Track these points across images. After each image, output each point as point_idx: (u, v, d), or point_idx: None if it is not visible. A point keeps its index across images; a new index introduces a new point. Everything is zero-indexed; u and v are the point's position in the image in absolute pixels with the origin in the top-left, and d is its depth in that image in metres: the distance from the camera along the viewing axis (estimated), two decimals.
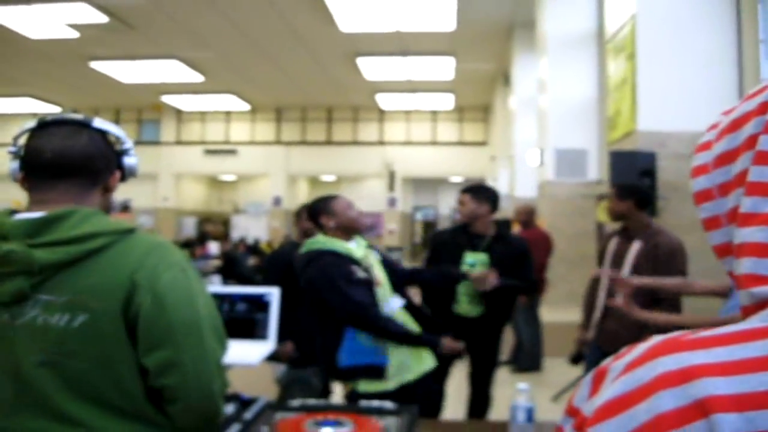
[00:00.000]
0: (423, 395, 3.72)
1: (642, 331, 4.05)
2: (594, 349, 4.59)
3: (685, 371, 0.60)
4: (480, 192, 4.86)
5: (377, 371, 3.68)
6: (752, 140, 0.69)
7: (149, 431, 1.70)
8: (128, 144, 1.91)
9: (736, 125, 0.72)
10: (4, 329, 1.65)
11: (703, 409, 0.57)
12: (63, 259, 1.64)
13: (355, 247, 3.86)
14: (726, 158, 0.72)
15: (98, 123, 1.84)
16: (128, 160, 1.90)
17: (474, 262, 4.67)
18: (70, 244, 1.65)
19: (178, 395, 1.68)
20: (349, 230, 3.88)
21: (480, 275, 4.40)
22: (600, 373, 0.68)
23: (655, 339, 0.66)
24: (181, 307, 1.69)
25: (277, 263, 4.77)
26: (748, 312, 0.67)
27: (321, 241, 3.82)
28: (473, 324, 4.66)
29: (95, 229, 1.67)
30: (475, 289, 4.54)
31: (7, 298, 1.64)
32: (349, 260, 3.74)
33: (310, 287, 3.73)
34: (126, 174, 1.90)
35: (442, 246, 4.83)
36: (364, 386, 3.64)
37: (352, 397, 3.62)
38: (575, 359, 5.15)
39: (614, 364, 0.67)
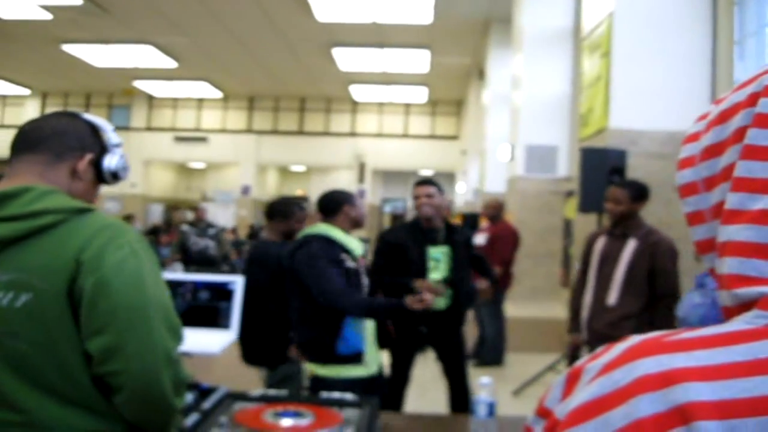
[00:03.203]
0: (377, 389, 3.77)
1: (631, 333, 4.04)
2: (588, 352, 4.45)
3: (665, 375, 0.55)
4: (438, 185, 4.87)
5: (360, 357, 3.78)
6: (740, 133, 0.64)
7: (97, 421, 1.63)
8: (114, 140, 1.85)
9: (724, 117, 0.68)
10: None
11: (683, 415, 0.53)
12: (10, 235, 1.58)
13: (355, 241, 3.95)
14: (713, 151, 0.68)
15: (87, 116, 1.83)
16: (109, 159, 1.82)
17: (439, 255, 4.70)
18: (18, 221, 1.59)
19: (121, 383, 1.59)
20: (358, 226, 4.04)
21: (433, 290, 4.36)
22: (574, 373, 0.63)
23: (634, 339, 0.62)
24: (126, 290, 1.60)
25: (268, 263, 4.51)
26: (731, 313, 0.63)
27: (321, 227, 3.89)
28: (440, 316, 4.68)
29: (46, 206, 1.61)
30: (442, 282, 4.58)
31: None
32: (341, 248, 3.81)
33: (296, 270, 3.76)
34: (104, 171, 1.82)
35: (395, 245, 4.75)
36: (337, 371, 3.69)
37: (314, 382, 3.67)
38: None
39: (590, 364, 0.62)
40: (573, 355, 4.83)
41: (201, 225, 11.44)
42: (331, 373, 3.71)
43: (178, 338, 1.71)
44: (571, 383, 0.63)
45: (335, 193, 4.09)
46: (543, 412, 0.65)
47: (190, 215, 16.26)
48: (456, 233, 4.89)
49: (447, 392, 5.02)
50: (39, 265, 1.58)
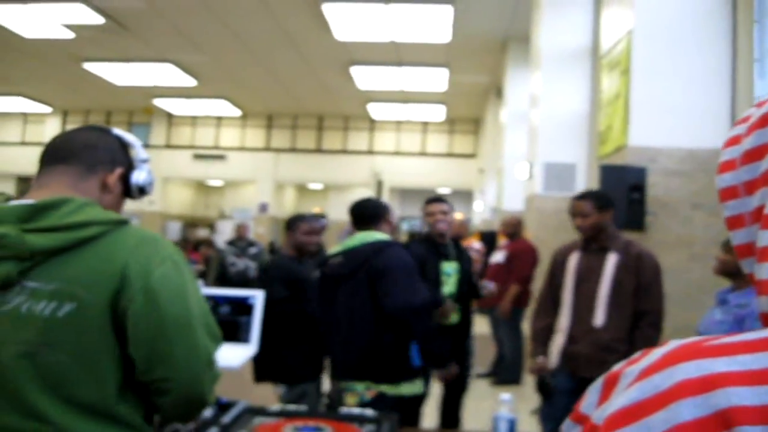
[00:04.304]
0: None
1: (625, 355, 3.88)
2: (564, 378, 4.11)
3: (706, 379, 0.55)
4: (449, 203, 5.00)
5: (423, 370, 3.85)
6: None
7: (119, 431, 1.65)
8: (142, 156, 1.91)
9: (766, 120, 0.67)
10: None
11: (725, 420, 0.52)
12: (56, 246, 1.61)
13: None
14: (754, 154, 0.68)
15: (116, 131, 1.89)
16: (137, 175, 1.88)
17: (450, 271, 4.86)
18: (64, 231, 1.61)
19: (168, 388, 1.66)
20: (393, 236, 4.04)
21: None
22: (611, 378, 0.63)
23: (673, 343, 0.61)
24: (173, 302, 1.66)
25: (281, 276, 4.53)
26: None
27: (379, 235, 3.88)
28: (451, 330, 4.80)
29: (88, 217, 1.65)
30: (455, 300, 4.79)
31: None
32: None
33: (382, 275, 3.69)
34: (132, 186, 1.87)
35: (420, 258, 4.81)
36: (409, 387, 3.68)
37: (380, 399, 3.59)
38: (546, 392, 4.25)
39: (628, 369, 0.61)
40: (545, 385, 4.24)
41: (241, 244, 10.80)
42: (409, 390, 3.68)
43: (217, 341, 1.78)
44: (608, 388, 0.62)
45: (374, 201, 4.09)
46: (579, 418, 0.64)
47: (202, 233, 16.24)
48: (462, 250, 5.11)
49: (440, 405, 5.07)
50: (84, 275, 1.61)
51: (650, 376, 0.58)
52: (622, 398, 0.58)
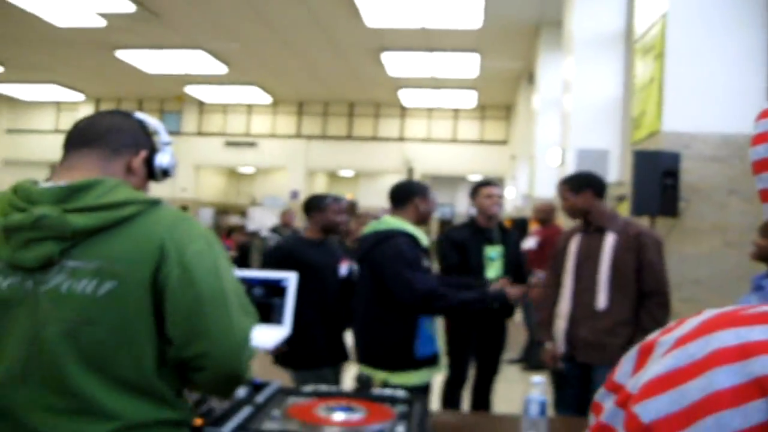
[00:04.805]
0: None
1: (629, 339, 3.84)
2: (571, 365, 4.06)
3: (743, 347, 0.55)
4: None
5: (437, 359, 3.82)
6: None
7: (158, 408, 1.69)
8: (165, 139, 1.95)
9: None
10: (27, 296, 1.64)
11: (762, 387, 0.53)
12: (97, 224, 1.65)
13: (424, 236, 3.95)
14: None
15: (139, 114, 1.94)
16: (161, 157, 1.92)
17: (494, 255, 4.84)
18: (102, 210, 1.66)
19: (205, 365, 1.69)
20: (424, 221, 3.99)
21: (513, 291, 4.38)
22: (646, 347, 0.63)
23: (709, 312, 0.61)
24: (208, 278, 1.69)
25: (276, 255, 4.54)
26: None
27: (392, 221, 3.85)
28: (494, 315, 4.81)
29: (125, 197, 1.69)
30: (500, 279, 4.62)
31: (34, 262, 1.63)
32: (418, 246, 3.81)
33: (378, 266, 3.72)
34: (155, 169, 1.92)
35: (460, 244, 4.86)
36: (414, 377, 3.69)
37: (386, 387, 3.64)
38: (559, 380, 4.20)
39: (662, 338, 0.62)
40: (560, 374, 4.15)
41: (285, 232, 10.59)
42: (409, 379, 3.68)
43: (252, 319, 1.82)
44: (643, 357, 0.63)
45: (408, 183, 4.09)
46: (613, 387, 0.64)
47: (234, 220, 16.31)
48: (508, 234, 5.08)
49: (471, 388, 5.08)
50: (124, 253, 1.65)
51: (686, 344, 0.58)
52: (657, 366, 0.59)
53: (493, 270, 4.87)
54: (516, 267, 5.08)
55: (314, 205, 4.65)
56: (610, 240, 3.98)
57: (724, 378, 0.54)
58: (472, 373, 5.11)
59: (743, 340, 0.56)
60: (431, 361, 3.80)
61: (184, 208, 16.77)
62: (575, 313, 4.04)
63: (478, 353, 5.08)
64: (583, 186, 4.09)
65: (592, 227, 4.10)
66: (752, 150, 0.72)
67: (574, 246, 4.16)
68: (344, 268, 4.68)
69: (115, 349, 1.63)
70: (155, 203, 1.74)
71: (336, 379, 4.47)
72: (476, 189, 4.99)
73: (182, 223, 1.73)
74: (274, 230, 11.05)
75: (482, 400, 5.07)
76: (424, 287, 3.60)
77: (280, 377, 4.56)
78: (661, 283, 3.91)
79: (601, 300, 3.94)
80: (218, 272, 1.73)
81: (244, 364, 1.74)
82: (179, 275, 1.66)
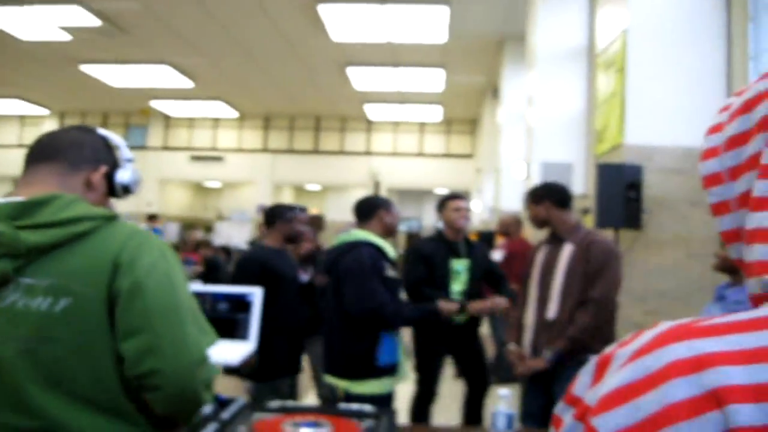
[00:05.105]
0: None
1: (585, 350, 3.83)
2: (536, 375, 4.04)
3: (697, 359, 0.56)
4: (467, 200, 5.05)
5: (396, 368, 3.86)
6: (766, 121, 0.65)
7: (125, 426, 1.65)
8: (127, 155, 1.93)
9: (748, 106, 0.68)
10: None
11: (717, 399, 0.53)
12: (50, 242, 1.62)
13: (390, 248, 4.04)
14: (737, 140, 0.69)
15: (102, 131, 1.92)
16: (122, 174, 1.90)
17: (460, 268, 4.85)
18: (56, 227, 1.63)
19: (158, 383, 1.63)
20: (390, 233, 4.09)
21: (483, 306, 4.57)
22: (603, 360, 0.64)
23: (664, 325, 0.62)
24: (159, 291, 1.65)
25: (250, 266, 4.49)
26: (759, 300, 0.63)
27: (359, 234, 3.94)
28: (460, 330, 4.82)
29: (80, 213, 1.66)
30: (463, 299, 4.74)
31: None
32: (384, 257, 3.90)
33: (343, 277, 3.76)
34: (116, 185, 1.89)
35: (428, 257, 4.88)
36: (375, 386, 3.70)
37: (347, 396, 3.66)
38: (526, 390, 4.22)
39: (619, 350, 0.62)
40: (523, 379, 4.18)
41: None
42: (370, 389, 3.71)
43: (209, 338, 1.76)
44: (600, 370, 0.63)
45: (371, 198, 4.15)
46: (572, 400, 0.65)
47: (198, 234, 16.24)
48: (474, 247, 5.07)
49: (462, 404, 5.08)
50: (78, 270, 1.62)
51: (642, 357, 0.58)
52: (614, 379, 0.59)
53: (458, 283, 4.89)
54: (486, 279, 5.13)
55: (280, 214, 4.67)
56: (567, 250, 4.00)
57: (679, 390, 0.54)
58: (459, 389, 5.13)
59: (697, 352, 0.56)
60: (392, 370, 3.81)
61: (153, 217, 16.59)
62: (537, 322, 4.07)
63: (462, 369, 5.11)
64: (542, 196, 4.14)
65: (555, 238, 4.14)
66: (701, 165, 0.73)
67: (540, 257, 4.20)
68: (304, 275, 4.72)
69: (75, 367, 1.60)
70: (111, 218, 1.72)
71: (292, 392, 4.46)
72: (443, 202, 5.02)
73: (137, 236, 1.71)
74: (252, 243, 11.03)
75: (474, 415, 5.06)
76: (372, 302, 3.67)
77: (229, 387, 4.57)
78: (600, 291, 3.85)
79: (551, 309, 3.97)
80: (172, 286, 1.69)
81: (199, 384, 1.68)
82: (129, 287, 1.62)
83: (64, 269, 1.62)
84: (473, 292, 4.92)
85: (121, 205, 1.88)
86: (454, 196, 5.07)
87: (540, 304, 4.07)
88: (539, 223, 4.18)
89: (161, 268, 1.68)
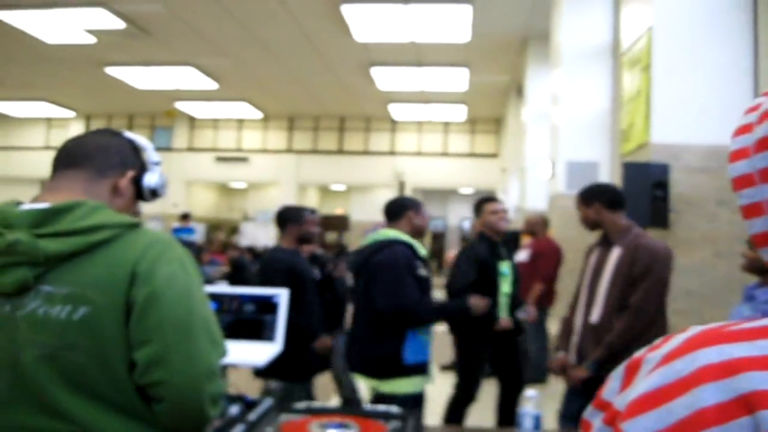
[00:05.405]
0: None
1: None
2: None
3: (728, 364, 0.55)
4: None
5: (426, 368, 3.85)
6: None
7: (143, 428, 1.66)
8: (154, 158, 1.92)
9: None
10: (6, 321, 1.63)
11: (747, 404, 0.52)
12: (68, 250, 1.62)
13: (422, 247, 4.06)
14: None
15: (129, 134, 1.90)
16: (149, 177, 1.89)
17: (506, 270, 4.92)
18: (76, 235, 1.63)
19: (164, 394, 1.62)
20: (419, 234, 4.09)
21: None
22: (633, 364, 0.63)
23: (694, 329, 0.61)
24: (175, 303, 1.64)
25: (279, 269, 4.53)
26: None
27: (390, 233, 3.97)
28: (504, 332, 4.83)
29: (101, 221, 1.66)
30: (510, 302, 4.88)
31: (10, 288, 1.61)
32: (416, 255, 3.91)
33: (375, 274, 3.78)
34: (144, 189, 1.88)
35: (483, 260, 4.87)
36: (404, 385, 3.70)
37: (378, 400, 3.65)
38: (569, 391, 4.21)
39: (649, 354, 0.62)
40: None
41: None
42: (399, 388, 3.70)
43: (220, 352, 1.73)
44: (630, 374, 0.63)
45: (401, 198, 4.19)
46: (601, 405, 0.64)
47: (222, 236, 16.31)
48: (512, 250, 5.08)
49: (496, 405, 5.06)
50: (97, 278, 1.62)
51: (672, 362, 0.58)
52: (644, 384, 0.59)
53: (506, 285, 4.89)
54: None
55: (292, 217, 4.75)
56: (615, 254, 3.95)
57: (709, 395, 0.54)
58: (493, 391, 5.12)
59: (728, 357, 0.56)
60: (421, 369, 3.80)
61: (185, 216, 16.69)
62: (583, 326, 4.04)
63: (498, 372, 5.09)
64: (592, 198, 4.07)
65: (606, 241, 4.08)
66: (731, 167, 0.72)
67: (591, 259, 4.16)
68: (316, 271, 4.79)
69: (95, 373, 1.61)
70: (133, 226, 1.71)
71: (309, 394, 4.48)
72: (480, 205, 5.02)
73: (157, 245, 1.69)
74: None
75: (507, 416, 5.03)
76: (404, 299, 3.69)
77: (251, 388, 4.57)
78: (640, 299, 3.80)
79: (594, 314, 3.93)
80: (189, 298, 1.68)
81: (207, 398, 1.66)
82: (146, 297, 1.61)
83: (82, 278, 1.62)
84: (516, 293, 4.99)
85: (146, 207, 1.88)
86: (490, 199, 5.08)
87: (587, 308, 4.03)
88: (590, 225, 4.11)
89: (179, 280, 1.67)
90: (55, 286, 1.62)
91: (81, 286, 1.61)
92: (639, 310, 3.77)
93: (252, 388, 3.76)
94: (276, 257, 4.65)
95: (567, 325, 4.26)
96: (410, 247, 3.91)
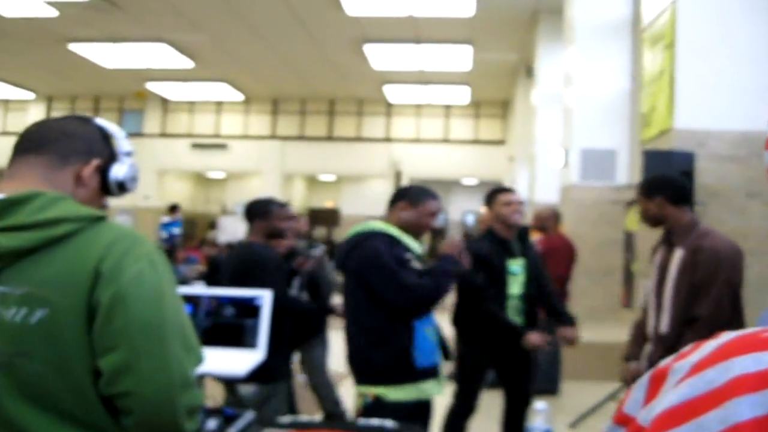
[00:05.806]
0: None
1: None
2: None
3: (765, 374, 0.55)
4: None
5: (437, 371, 3.80)
6: None
7: None
8: (125, 148, 1.88)
9: None
10: None
11: None
12: (26, 246, 1.60)
13: (412, 241, 3.92)
14: None
15: (99, 121, 1.88)
16: (117, 169, 1.85)
17: (517, 269, 4.84)
18: (33, 230, 1.60)
19: (132, 406, 1.61)
20: (417, 232, 3.95)
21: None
22: (659, 374, 0.62)
23: (726, 335, 0.61)
24: (143, 305, 1.62)
25: (268, 266, 4.51)
26: None
27: (371, 224, 3.88)
28: (515, 338, 4.78)
29: (61, 213, 1.63)
30: (520, 303, 4.81)
31: None
32: (404, 247, 3.80)
33: (356, 273, 3.74)
34: (110, 181, 1.84)
35: (485, 259, 4.80)
36: (414, 391, 3.68)
37: (377, 405, 3.59)
38: None
39: (677, 364, 0.61)
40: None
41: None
42: (409, 394, 3.66)
43: (195, 359, 1.72)
44: (655, 386, 0.62)
45: (406, 187, 4.22)
46: (622, 419, 0.63)
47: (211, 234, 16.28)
48: (529, 245, 5.06)
49: (501, 418, 5.04)
50: (56, 277, 1.60)
51: (703, 371, 0.57)
52: (671, 396, 0.58)
53: (516, 286, 4.83)
54: (540, 272, 5.08)
55: (257, 210, 4.78)
56: (677, 256, 3.85)
57: (745, 408, 0.53)
58: (498, 402, 5.10)
59: (765, 366, 0.55)
60: (432, 373, 3.76)
61: (174, 208, 16.65)
62: (655, 334, 3.97)
63: (504, 381, 5.07)
64: (654, 191, 3.96)
65: (669, 239, 3.99)
66: (767, 154, 0.72)
67: (656, 260, 4.07)
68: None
69: (54, 382, 1.59)
70: (97, 220, 1.69)
71: (291, 396, 4.49)
72: (492, 196, 4.97)
73: (124, 240, 1.67)
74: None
75: (515, 430, 5.02)
76: (409, 291, 3.63)
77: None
78: (706, 307, 3.70)
79: (664, 322, 3.86)
80: (160, 299, 1.65)
81: (181, 411, 1.64)
82: (111, 298, 1.59)
83: (40, 277, 1.60)
84: (532, 294, 4.89)
85: (115, 200, 1.86)
86: (504, 189, 5.05)
87: (657, 314, 3.96)
88: (651, 220, 4.02)
89: (148, 279, 1.65)
90: (9, 286, 1.60)
91: (38, 286, 1.59)
92: (708, 322, 3.66)
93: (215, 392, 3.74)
94: (261, 253, 4.63)
95: (638, 330, 4.20)
96: (394, 240, 3.80)
